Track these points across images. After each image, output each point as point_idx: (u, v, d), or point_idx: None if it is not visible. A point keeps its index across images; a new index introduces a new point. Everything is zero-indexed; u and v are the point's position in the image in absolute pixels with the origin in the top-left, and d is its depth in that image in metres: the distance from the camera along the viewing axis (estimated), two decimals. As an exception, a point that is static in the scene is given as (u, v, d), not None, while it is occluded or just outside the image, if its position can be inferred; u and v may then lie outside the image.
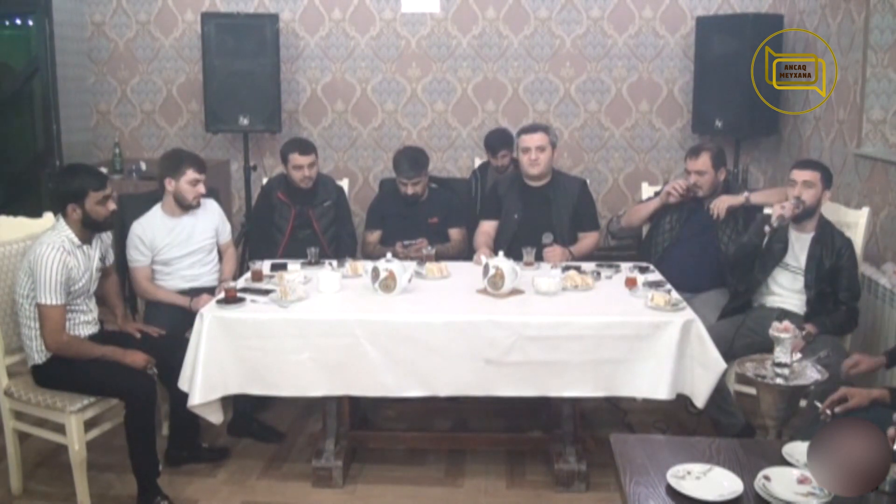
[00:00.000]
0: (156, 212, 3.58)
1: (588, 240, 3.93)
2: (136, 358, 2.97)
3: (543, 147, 3.83)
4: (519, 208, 3.92)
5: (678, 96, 5.46)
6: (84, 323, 3.08)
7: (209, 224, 3.67)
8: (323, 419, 3.23)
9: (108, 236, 3.21)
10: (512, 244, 3.75)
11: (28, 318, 2.94)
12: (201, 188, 3.54)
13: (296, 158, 4.01)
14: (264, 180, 4.37)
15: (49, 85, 5.11)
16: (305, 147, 4.05)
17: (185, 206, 3.54)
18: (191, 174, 3.49)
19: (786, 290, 3.35)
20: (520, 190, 3.95)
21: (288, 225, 4.07)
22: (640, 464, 1.99)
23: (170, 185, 3.52)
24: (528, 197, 3.93)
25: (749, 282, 3.40)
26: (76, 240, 2.96)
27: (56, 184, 3.01)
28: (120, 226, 3.60)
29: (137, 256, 3.52)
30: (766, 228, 3.26)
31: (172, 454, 3.28)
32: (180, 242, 3.56)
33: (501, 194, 4.00)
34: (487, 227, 3.99)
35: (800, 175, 3.25)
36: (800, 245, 3.30)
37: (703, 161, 3.68)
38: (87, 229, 2.99)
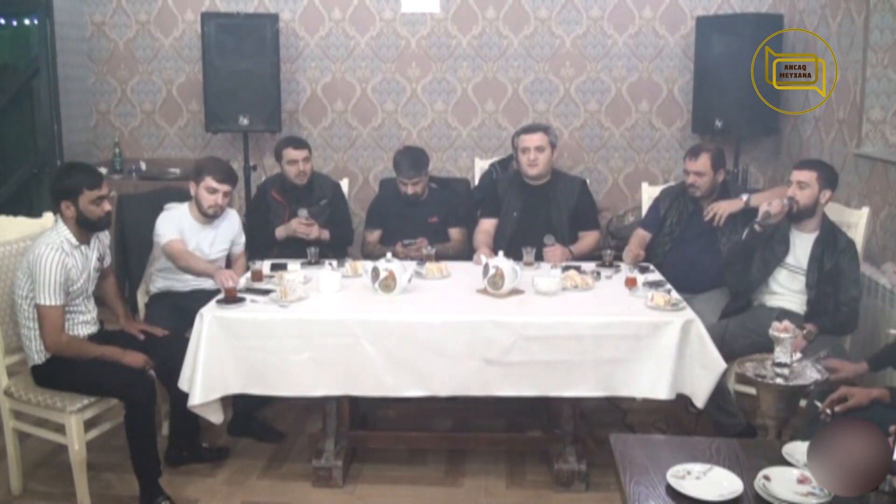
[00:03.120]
0: (183, 210, 3.54)
1: (588, 239, 3.93)
2: (135, 358, 2.97)
3: (542, 147, 3.83)
4: (518, 207, 3.92)
5: (678, 96, 5.46)
6: (83, 323, 3.08)
7: (228, 235, 3.64)
8: (323, 419, 3.23)
9: (105, 237, 3.20)
10: (511, 242, 3.75)
11: (27, 318, 2.94)
12: (219, 198, 3.46)
13: (290, 153, 4.03)
14: (263, 179, 4.37)
15: (49, 85, 5.11)
16: (299, 142, 4.09)
17: (203, 213, 3.50)
18: (209, 181, 3.43)
19: (786, 289, 3.35)
20: (519, 188, 3.94)
21: (282, 224, 4.07)
22: (640, 464, 1.99)
23: (192, 188, 3.50)
24: (527, 195, 3.93)
25: (748, 282, 3.41)
26: (74, 240, 2.96)
27: (53, 182, 3.02)
28: (119, 227, 3.60)
29: (167, 232, 3.41)
30: (756, 227, 3.26)
31: (172, 454, 3.28)
32: (201, 250, 3.51)
33: (501, 193, 4.01)
34: (487, 226, 3.99)
35: (795, 175, 3.26)
36: (802, 245, 3.30)
37: (703, 162, 3.67)
38: (82, 228, 2.99)
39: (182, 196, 3.64)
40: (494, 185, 4.12)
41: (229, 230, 3.66)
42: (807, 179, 3.22)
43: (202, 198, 3.47)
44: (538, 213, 3.89)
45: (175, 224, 3.47)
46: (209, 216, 3.51)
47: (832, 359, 2.68)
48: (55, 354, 2.93)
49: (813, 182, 3.21)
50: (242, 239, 3.78)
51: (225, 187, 3.47)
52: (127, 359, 2.96)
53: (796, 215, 3.26)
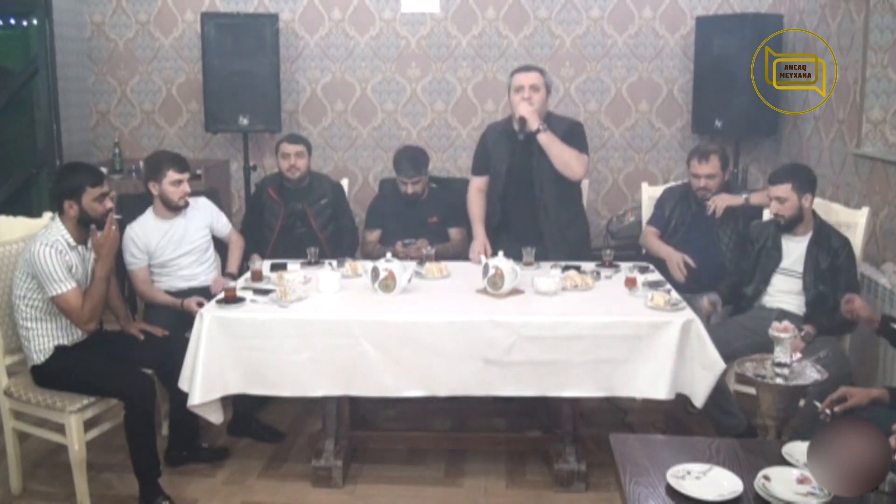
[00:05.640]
0: (148, 215, 3.60)
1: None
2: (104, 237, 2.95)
3: (538, 87, 3.62)
4: (506, 159, 3.75)
5: (678, 96, 5.46)
6: (81, 321, 3.08)
7: (202, 222, 3.68)
8: (323, 419, 3.23)
9: None
10: (504, 197, 3.70)
11: (25, 318, 2.93)
12: (185, 187, 3.54)
13: (284, 147, 4.08)
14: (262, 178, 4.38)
15: (49, 85, 5.10)
16: (295, 138, 4.14)
17: (174, 208, 3.55)
18: (172, 175, 3.49)
19: (783, 292, 3.35)
20: (507, 139, 3.75)
21: (277, 223, 4.07)
22: (640, 464, 1.99)
23: (154, 188, 3.53)
24: (515, 146, 3.72)
25: (748, 292, 3.43)
26: (71, 240, 2.96)
27: (54, 181, 3.02)
28: (119, 227, 3.61)
29: (132, 259, 3.54)
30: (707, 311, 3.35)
31: (172, 454, 3.28)
32: (174, 244, 3.57)
33: (489, 146, 3.84)
34: (479, 184, 3.87)
35: (772, 191, 3.26)
36: (796, 249, 3.31)
37: (714, 164, 3.68)
38: (84, 227, 2.99)
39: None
40: (483, 140, 3.92)
41: (202, 216, 3.70)
42: (783, 194, 3.22)
43: (169, 193, 3.52)
44: (526, 162, 3.68)
45: (141, 243, 3.53)
46: (181, 207, 3.56)
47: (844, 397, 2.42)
48: (95, 324, 2.96)
49: (790, 193, 3.22)
50: (223, 219, 3.83)
51: (186, 175, 3.55)
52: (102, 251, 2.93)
53: (786, 226, 3.27)
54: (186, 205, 3.58)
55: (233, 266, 3.73)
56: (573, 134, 3.68)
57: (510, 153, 3.73)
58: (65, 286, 2.85)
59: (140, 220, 3.58)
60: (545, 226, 3.68)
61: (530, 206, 3.66)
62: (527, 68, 3.76)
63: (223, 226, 3.81)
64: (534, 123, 3.55)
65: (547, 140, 3.57)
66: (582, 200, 4.01)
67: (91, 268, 3.08)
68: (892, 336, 2.77)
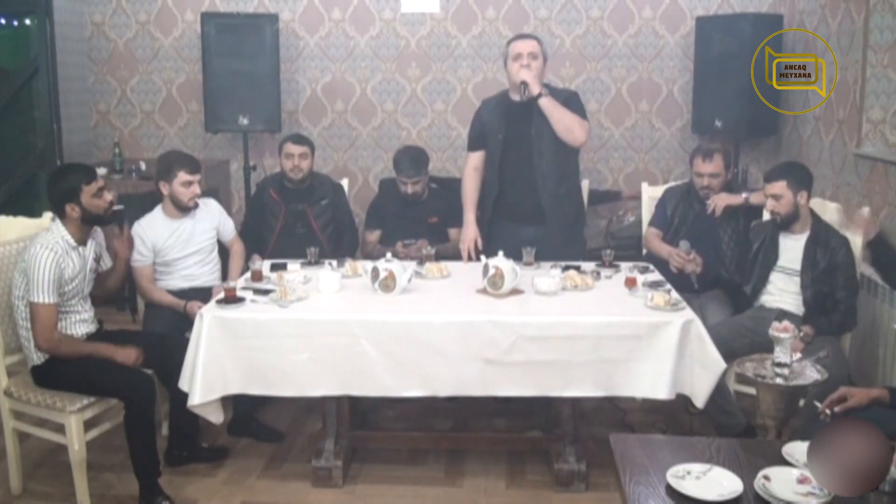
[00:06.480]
0: (157, 213, 3.60)
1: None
2: (127, 354, 2.96)
3: (536, 55, 3.58)
4: (502, 127, 3.69)
5: (678, 96, 5.46)
6: (80, 322, 3.08)
7: (209, 224, 3.69)
8: (323, 419, 3.23)
9: (102, 238, 3.19)
10: (502, 167, 3.66)
11: (25, 318, 2.93)
12: (196, 189, 3.55)
13: (288, 147, 4.08)
14: (263, 178, 4.38)
15: (49, 85, 5.11)
16: (299, 138, 4.14)
17: (183, 208, 3.55)
18: (183, 176, 3.50)
19: (782, 291, 3.36)
20: (504, 109, 3.72)
21: (277, 223, 4.08)
22: (640, 464, 1.99)
23: (164, 188, 3.54)
24: (512, 115, 3.66)
25: (747, 291, 3.43)
26: (72, 241, 2.96)
27: (49, 189, 3.01)
28: (123, 218, 3.61)
29: (138, 256, 3.53)
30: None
31: (172, 454, 3.28)
32: (181, 243, 3.57)
33: (485, 119, 3.79)
34: (475, 161, 3.81)
35: (767, 189, 3.27)
36: (793, 247, 3.31)
37: (717, 163, 3.68)
38: (89, 225, 2.99)
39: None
40: (478, 113, 3.87)
41: (210, 218, 3.71)
42: (779, 191, 3.23)
43: (180, 194, 3.52)
44: (523, 130, 3.63)
45: (148, 240, 3.53)
46: (191, 208, 3.57)
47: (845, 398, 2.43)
48: (48, 353, 2.92)
49: (785, 191, 3.22)
50: (230, 223, 3.83)
51: (197, 177, 3.56)
52: (119, 356, 2.95)
53: (782, 223, 3.28)
54: (196, 206, 3.59)
55: (234, 276, 3.70)
56: (572, 102, 3.64)
57: (507, 122, 3.68)
58: (44, 297, 2.84)
59: (148, 217, 3.59)
60: (544, 195, 3.62)
61: (529, 176, 3.62)
62: (524, 36, 3.74)
63: (229, 231, 3.81)
64: (535, 88, 3.51)
65: (549, 104, 3.53)
66: (579, 173, 3.94)
67: (90, 267, 3.08)
68: (879, 251, 3.00)
